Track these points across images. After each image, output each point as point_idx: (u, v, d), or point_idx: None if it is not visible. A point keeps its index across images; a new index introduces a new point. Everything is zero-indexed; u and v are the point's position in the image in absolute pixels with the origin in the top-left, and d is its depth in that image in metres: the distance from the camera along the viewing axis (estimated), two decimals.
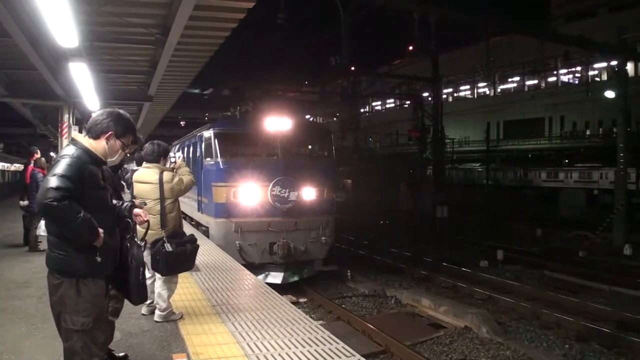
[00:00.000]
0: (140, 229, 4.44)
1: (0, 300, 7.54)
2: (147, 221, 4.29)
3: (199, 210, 15.59)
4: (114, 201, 3.98)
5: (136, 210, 4.17)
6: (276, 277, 13.22)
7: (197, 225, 16.11)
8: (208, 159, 14.36)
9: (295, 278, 13.63)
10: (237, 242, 13.05)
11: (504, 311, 12.70)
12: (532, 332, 11.21)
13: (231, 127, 15.14)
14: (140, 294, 4.06)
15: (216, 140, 13.93)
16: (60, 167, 3.42)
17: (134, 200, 5.71)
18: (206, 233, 14.34)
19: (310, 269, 14.21)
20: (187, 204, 17.39)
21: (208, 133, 14.40)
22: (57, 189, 3.32)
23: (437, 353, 10.06)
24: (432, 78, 33.07)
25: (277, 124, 13.96)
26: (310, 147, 16.49)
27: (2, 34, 9.88)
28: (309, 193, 13.91)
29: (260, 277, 12.34)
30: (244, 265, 10.20)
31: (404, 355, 9.50)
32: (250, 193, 13.38)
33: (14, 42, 10.03)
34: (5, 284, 8.56)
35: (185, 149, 18.99)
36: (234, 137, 14.48)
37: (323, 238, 13.97)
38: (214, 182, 13.77)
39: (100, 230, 3.57)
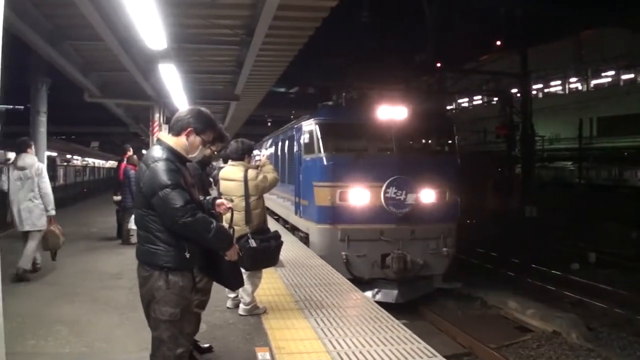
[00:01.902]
0: (226, 217, 4.56)
1: (95, 290, 7.92)
2: (230, 208, 4.37)
3: (296, 214, 13.76)
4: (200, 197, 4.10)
5: (218, 201, 4.29)
6: (388, 296, 11.30)
7: (293, 230, 14.40)
8: (308, 154, 12.53)
9: (411, 297, 11.71)
10: (343, 253, 11.23)
11: (595, 316, 12.17)
12: (625, 339, 10.70)
13: (336, 116, 12.62)
14: (237, 279, 4.22)
15: (319, 132, 12.02)
16: (165, 176, 3.48)
17: (221, 197, 5.83)
18: (305, 240, 12.70)
19: (429, 286, 12.16)
20: (282, 206, 16.30)
21: (309, 124, 12.61)
22: (185, 204, 3.44)
23: (523, 357, 9.80)
24: (520, 74, 32.15)
25: (392, 112, 11.96)
26: (429, 140, 14.00)
27: (95, 38, 10.37)
28: (428, 195, 11.80)
29: (369, 293, 10.87)
30: (351, 281, 8.92)
31: (489, 358, 9.30)
32: (360, 195, 11.45)
33: (107, 45, 10.52)
34: (99, 274, 9.00)
35: (280, 143, 17.41)
36: (340, 129, 12.32)
37: (444, 249, 11.80)
38: (317, 181, 11.89)
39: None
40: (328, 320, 6.27)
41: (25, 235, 8.46)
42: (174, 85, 12.89)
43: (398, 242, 11.36)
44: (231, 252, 3.86)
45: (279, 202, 16.82)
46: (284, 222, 16.04)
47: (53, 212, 8.56)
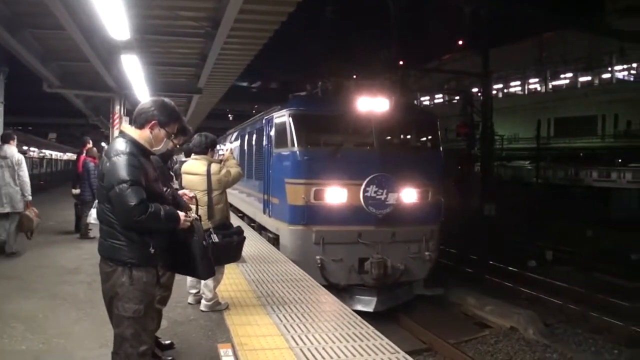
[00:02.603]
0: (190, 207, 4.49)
1: (52, 285, 7.77)
2: (194, 197, 4.33)
3: (264, 212, 12.68)
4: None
5: (180, 192, 4.24)
6: (367, 304, 10.51)
7: (261, 229, 13.46)
8: (280, 148, 11.48)
9: (391, 305, 10.92)
10: (317, 257, 10.34)
11: (551, 313, 12.44)
12: (580, 335, 10.99)
13: (312, 107, 11.72)
14: (207, 267, 4.10)
15: (292, 124, 10.93)
16: (125, 171, 3.41)
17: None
18: (274, 242, 11.79)
19: (409, 292, 11.46)
20: (248, 203, 15.44)
21: (281, 115, 11.49)
22: (139, 203, 3.37)
23: (481, 353, 9.96)
24: (482, 73, 32.57)
25: (372, 104, 10.94)
26: (411, 135, 13.03)
27: (56, 27, 10.16)
28: (410, 195, 10.97)
29: (345, 301, 9.34)
30: (325, 287, 8.18)
31: (448, 354, 9.45)
32: (337, 193, 10.54)
33: (68, 34, 10.31)
34: (56, 269, 8.83)
35: (247, 136, 16.20)
36: (315, 121, 11.29)
37: (427, 253, 10.99)
38: (289, 178, 10.88)
39: (181, 214, 3.75)
40: (290, 317, 6.25)
41: (5, 216, 9.65)
42: (135, 76, 12.73)
43: (377, 245, 10.49)
44: (182, 223, 3.76)
45: (243, 198, 16.19)
46: (250, 221, 15.31)
47: (29, 198, 9.74)
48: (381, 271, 10.32)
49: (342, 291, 10.27)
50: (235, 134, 19.79)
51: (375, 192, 10.35)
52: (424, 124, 12.63)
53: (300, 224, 10.54)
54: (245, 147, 16.38)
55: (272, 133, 11.94)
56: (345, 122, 10.99)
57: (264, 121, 13.04)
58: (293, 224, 10.71)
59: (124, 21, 7.69)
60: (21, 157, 9.86)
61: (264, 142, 12.84)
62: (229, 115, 59.22)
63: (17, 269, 8.73)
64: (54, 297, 7.12)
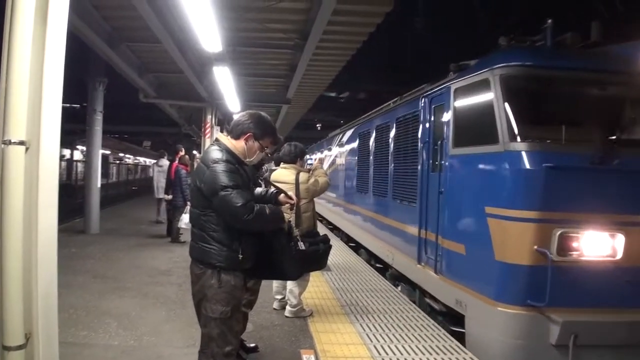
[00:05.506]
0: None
1: (144, 285, 8.12)
2: (295, 202, 4.39)
3: (421, 262, 7.48)
4: (258, 189, 4.16)
5: (282, 196, 4.29)
6: None
7: (395, 279, 9.01)
8: (469, 145, 6.27)
9: None
10: None
11: None
12: None
13: (550, 62, 5.79)
14: (296, 268, 4.25)
15: (508, 96, 5.61)
16: (227, 177, 3.53)
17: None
18: (445, 322, 6.62)
19: None
20: (374, 236, 10.45)
21: (473, 81, 6.27)
22: (245, 204, 3.48)
23: None
24: None
25: None
26: None
27: (152, 40, 10.62)
28: None
29: None
30: None
31: None
32: (604, 241, 5.23)
33: (164, 47, 10.74)
34: (149, 270, 9.19)
35: (373, 134, 11.05)
36: (559, 90, 5.85)
37: None
38: (500, 206, 5.42)
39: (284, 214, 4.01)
40: (374, 326, 6.26)
41: (159, 201, 15.54)
42: (227, 87, 13.07)
43: None
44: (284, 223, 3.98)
45: (360, 223, 11.94)
46: (370, 257, 10.97)
47: None
48: None
49: None
50: (348, 134, 14.38)
51: None
52: None
53: (525, 303, 5.19)
54: (371, 151, 11.24)
55: (447, 119, 6.84)
56: (617, 95, 5.94)
57: (421, 103, 7.93)
58: (506, 302, 5.31)
59: (216, 34, 7.95)
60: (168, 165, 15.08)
61: (420, 138, 7.84)
62: (317, 125, 59.77)
63: (112, 270, 9.14)
64: (145, 297, 7.42)
